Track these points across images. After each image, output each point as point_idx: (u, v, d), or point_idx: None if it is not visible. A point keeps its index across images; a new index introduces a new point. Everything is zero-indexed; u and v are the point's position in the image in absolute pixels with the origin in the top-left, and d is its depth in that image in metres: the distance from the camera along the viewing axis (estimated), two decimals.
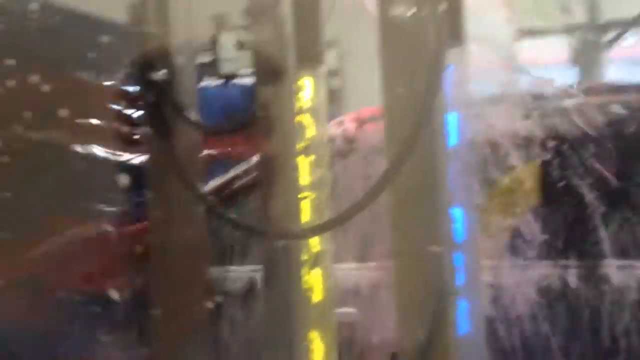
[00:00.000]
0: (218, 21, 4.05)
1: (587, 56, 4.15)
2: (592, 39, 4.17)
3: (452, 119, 1.46)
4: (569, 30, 4.19)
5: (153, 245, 1.72)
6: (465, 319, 1.42)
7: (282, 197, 1.61)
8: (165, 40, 1.76)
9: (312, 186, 1.68)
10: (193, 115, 1.73)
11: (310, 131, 1.67)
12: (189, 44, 1.83)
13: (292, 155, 1.63)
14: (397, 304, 1.40)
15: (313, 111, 1.69)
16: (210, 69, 4.08)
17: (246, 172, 2.08)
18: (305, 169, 1.67)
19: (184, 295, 1.71)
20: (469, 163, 1.50)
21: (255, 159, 1.72)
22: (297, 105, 1.64)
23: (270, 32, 1.59)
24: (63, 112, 2.08)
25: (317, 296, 1.66)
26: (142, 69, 1.74)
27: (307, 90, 1.67)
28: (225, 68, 4.00)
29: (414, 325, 1.34)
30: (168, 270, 1.69)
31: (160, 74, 1.71)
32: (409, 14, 1.42)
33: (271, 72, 1.56)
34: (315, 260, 1.64)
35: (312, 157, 1.68)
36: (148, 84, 1.73)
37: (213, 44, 3.98)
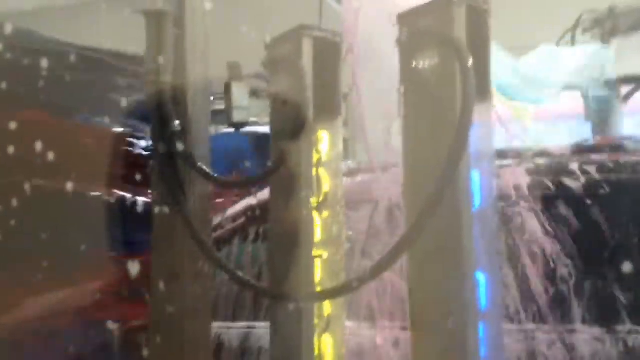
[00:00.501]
0: (232, 69, 4.06)
1: (600, 112, 4.12)
2: (605, 94, 4.15)
3: (476, 178, 1.40)
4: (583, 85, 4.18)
5: (153, 299, 1.63)
6: None
7: (294, 255, 1.53)
8: (181, 90, 1.72)
9: (326, 244, 1.60)
10: (205, 167, 1.67)
11: (326, 186, 1.60)
12: (205, 93, 1.79)
13: (307, 211, 1.55)
14: None
15: (329, 165, 1.62)
16: (222, 117, 4.07)
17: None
18: (319, 226, 1.59)
19: (186, 353, 1.61)
20: (492, 224, 1.42)
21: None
22: (315, 158, 1.58)
23: (289, 83, 1.55)
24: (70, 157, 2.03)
25: None
26: (156, 119, 1.70)
27: (325, 143, 1.61)
28: (237, 116, 3.98)
29: None
30: (169, 327, 1.60)
31: (174, 125, 1.66)
32: (432, 66, 1.37)
33: (292, 124, 1.50)
34: (327, 325, 1.54)
35: (327, 213, 1.60)
36: (161, 135, 1.68)
37: (227, 92, 3.97)
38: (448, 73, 1.34)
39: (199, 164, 1.60)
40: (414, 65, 1.39)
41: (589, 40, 4.30)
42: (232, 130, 4.07)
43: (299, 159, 1.54)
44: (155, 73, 1.71)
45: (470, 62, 1.29)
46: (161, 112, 1.66)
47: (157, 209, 1.67)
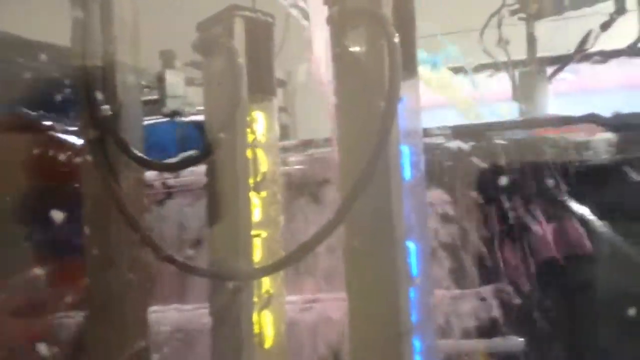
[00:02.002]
0: (166, 57, 3.98)
1: (527, 91, 4.29)
2: (532, 74, 4.32)
3: (405, 152, 1.44)
4: (510, 66, 4.34)
5: (90, 287, 1.60)
6: (420, 356, 1.37)
7: (232, 235, 1.53)
8: (111, 75, 1.68)
9: (264, 224, 1.61)
10: (138, 152, 1.65)
11: (263, 166, 1.61)
12: (136, 79, 1.76)
13: (244, 191, 1.56)
14: (351, 340, 1.33)
15: (266, 146, 1.63)
16: (157, 106, 3.99)
17: None
18: (257, 206, 1.60)
19: (121, 338, 1.59)
20: (421, 197, 1.47)
21: None
22: (250, 139, 1.58)
23: (221, 63, 1.54)
24: None
25: (267, 342, 1.57)
26: (86, 104, 1.65)
27: (260, 123, 1.62)
28: (172, 105, 3.91)
29: None
30: (105, 312, 1.57)
31: (104, 110, 1.63)
32: (361, 48, 1.40)
33: (225, 104, 1.50)
34: (267, 302, 1.56)
35: (265, 193, 1.61)
36: (92, 120, 1.64)
37: (160, 81, 3.90)
38: (376, 50, 1.38)
39: (132, 148, 1.58)
40: (343, 43, 1.41)
41: (515, 22, 4.46)
42: (167, 119, 4.01)
43: (233, 139, 1.54)
44: (81, 56, 1.66)
45: (397, 38, 1.33)
46: (89, 97, 1.63)
47: (89, 197, 1.63)
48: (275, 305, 1.56)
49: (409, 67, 1.44)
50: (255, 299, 1.53)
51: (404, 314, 1.29)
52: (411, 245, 1.38)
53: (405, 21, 1.44)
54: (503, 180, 2.04)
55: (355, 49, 1.41)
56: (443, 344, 1.82)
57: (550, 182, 2.03)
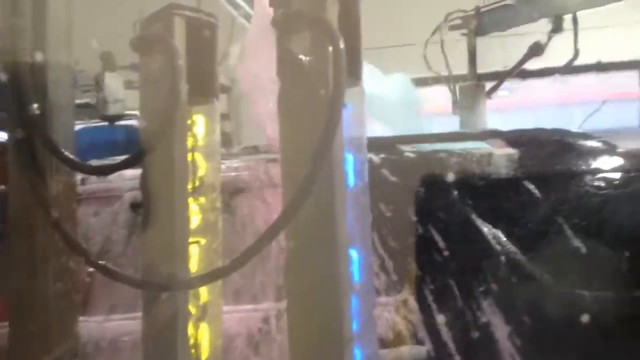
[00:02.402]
0: (106, 59, 3.86)
1: (467, 105, 4.39)
2: (471, 89, 4.43)
3: (349, 160, 1.42)
4: (451, 80, 4.43)
5: (14, 296, 1.49)
6: None
7: (168, 242, 1.47)
8: (41, 73, 1.60)
9: (203, 231, 1.55)
10: (68, 153, 1.56)
11: (202, 171, 1.56)
12: (69, 79, 1.68)
13: (182, 197, 1.50)
14: (291, 350, 1.29)
15: (206, 150, 1.58)
16: (94, 109, 3.86)
17: None
18: (195, 212, 1.54)
19: (47, 349, 1.49)
20: (364, 204, 1.45)
21: None
22: (190, 142, 1.52)
23: (160, 64, 1.48)
24: None
25: (203, 354, 1.51)
26: (14, 102, 1.56)
27: (200, 127, 1.56)
28: (112, 109, 3.79)
29: None
30: (30, 323, 1.47)
31: (32, 108, 1.54)
32: (306, 52, 1.38)
33: (164, 105, 1.44)
34: (203, 313, 1.50)
35: (203, 199, 1.56)
36: (19, 118, 1.55)
37: (99, 83, 3.77)
38: (321, 55, 1.35)
39: (62, 149, 1.49)
40: (288, 47, 1.38)
41: (458, 37, 4.56)
42: (105, 123, 3.88)
43: (171, 142, 1.48)
44: (11, 53, 1.57)
45: (342, 44, 1.31)
46: (18, 94, 1.53)
47: (14, 200, 1.53)
48: (212, 317, 1.50)
49: (354, 74, 1.42)
50: (192, 310, 1.46)
51: (345, 322, 1.26)
52: (354, 254, 1.35)
53: (351, 27, 1.42)
54: (410, 193, 2.05)
55: (300, 53, 1.38)
56: None
57: (453, 195, 2.07)
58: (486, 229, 2.04)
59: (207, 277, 1.41)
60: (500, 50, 4.63)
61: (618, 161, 2.16)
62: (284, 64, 1.40)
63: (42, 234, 1.49)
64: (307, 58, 1.37)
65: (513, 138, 2.19)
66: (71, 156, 1.48)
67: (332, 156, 1.32)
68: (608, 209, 2.05)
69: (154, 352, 1.38)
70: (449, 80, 4.51)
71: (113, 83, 3.89)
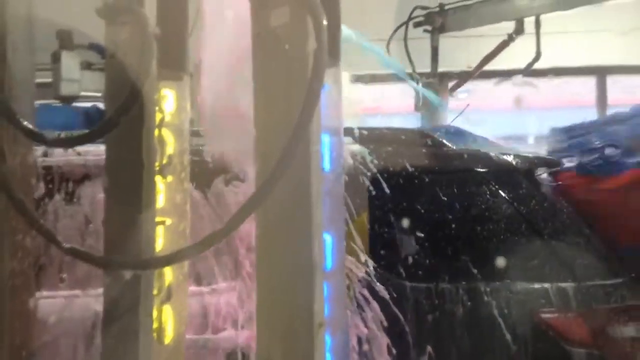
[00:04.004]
0: (63, 37, 3.69)
1: (429, 103, 4.41)
2: (434, 86, 4.45)
3: (326, 141, 1.39)
4: (412, 79, 4.44)
5: None
6: (331, 353, 1.31)
7: (133, 221, 1.40)
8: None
9: (169, 211, 1.49)
10: (29, 124, 1.47)
11: (170, 148, 1.50)
12: (27, 51, 1.58)
13: (149, 175, 1.43)
14: (259, 335, 1.25)
15: (174, 127, 1.52)
16: (51, 89, 3.70)
17: None
18: (161, 191, 1.48)
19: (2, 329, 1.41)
20: (339, 188, 1.42)
21: None
22: (158, 118, 1.46)
23: (128, 33, 1.41)
24: None
25: (167, 338, 1.45)
26: None
27: (169, 102, 1.50)
28: (67, 89, 3.63)
29: (279, 356, 1.21)
30: None
31: None
32: (284, 28, 1.34)
33: (130, 78, 1.37)
34: (168, 295, 1.44)
35: (171, 178, 1.50)
36: None
37: (55, 62, 3.61)
38: (300, 31, 1.31)
39: (21, 119, 1.40)
40: (265, 22, 1.34)
41: (421, 35, 4.58)
42: (61, 104, 3.72)
43: (139, 117, 1.41)
44: None
45: (324, 20, 1.27)
46: None
47: None
48: (176, 299, 1.44)
49: (333, 53, 1.38)
50: (155, 292, 1.40)
51: (317, 306, 1.23)
52: (327, 238, 1.32)
53: (330, 5, 1.39)
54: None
55: (278, 28, 1.34)
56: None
57: None
58: None
59: (173, 258, 1.35)
60: (465, 51, 4.67)
61: (451, 161, 2.44)
62: (260, 40, 1.36)
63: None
64: (285, 34, 1.33)
65: (363, 136, 2.33)
66: (30, 126, 1.39)
67: (309, 137, 1.29)
68: (428, 204, 2.32)
69: (115, 334, 1.32)
70: (412, 78, 4.52)
71: (69, 62, 3.73)
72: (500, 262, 2.33)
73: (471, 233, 2.37)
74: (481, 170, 2.46)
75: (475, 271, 2.30)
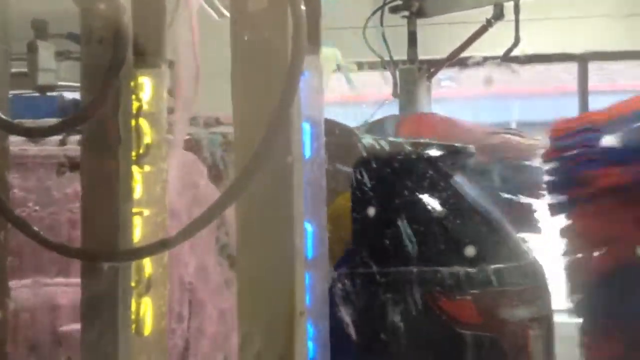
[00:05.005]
0: (38, 27, 3.63)
1: (407, 89, 4.38)
2: (412, 72, 4.42)
3: (306, 129, 1.38)
4: (391, 64, 4.40)
5: None
6: (313, 342, 1.31)
7: (109, 211, 1.37)
8: None
9: (147, 201, 1.47)
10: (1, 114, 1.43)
11: (147, 138, 1.47)
12: (2, 45, 1.55)
13: (125, 164, 1.40)
14: (240, 324, 1.24)
15: (152, 116, 1.49)
16: (26, 79, 3.63)
17: None
18: (138, 182, 1.45)
19: None
20: (320, 176, 1.41)
21: None
22: (134, 106, 1.43)
23: (103, 20, 1.38)
24: None
25: (146, 330, 1.43)
26: None
27: (147, 91, 1.47)
28: (43, 79, 3.57)
29: (257, 346, 1.20)
30: None
31: None
32: (262, 14, 1.31)
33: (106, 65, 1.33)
34: (147, 287, 1.42)
35: (148, 168, 1.47)
36: None
37: (31, 52, 3.54)
38: (279, 17, 1.29)
39: None
40: (242, 7, 1.31)
41: (398, 20, 4.54)
42: (37, 94, 3.66)
43: (114, 106, 1.38)
44: None
45: (303, 5, 1.25)
46: None
47: None
48: (155, 291, 1.42)
49: (313, 40, 1.37)
50: (134, 284, 1.38)
51: (299, 295, 1.22)
52: (308, 227, 1.31)
53: None
54: None
55: (256, 14, 1.31)
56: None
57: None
58: None
59: (152, 249, 1.33)
60: (448, 40, 4.66)
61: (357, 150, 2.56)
62: (238, 26, 1.34)
63: None
64: (263, 18, 1.31)
65: None
66: (3, 115, 1.36)
67: (290, 124, 1.27)
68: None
69: (93, 327, 1.29)
70: (390, 63, 4.47)
71: (45, 52, 3.66)
72: (395, 246, 2.41)
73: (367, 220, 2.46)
74: (384, 158, 2.60)
75: (370, 257, 2.39)
